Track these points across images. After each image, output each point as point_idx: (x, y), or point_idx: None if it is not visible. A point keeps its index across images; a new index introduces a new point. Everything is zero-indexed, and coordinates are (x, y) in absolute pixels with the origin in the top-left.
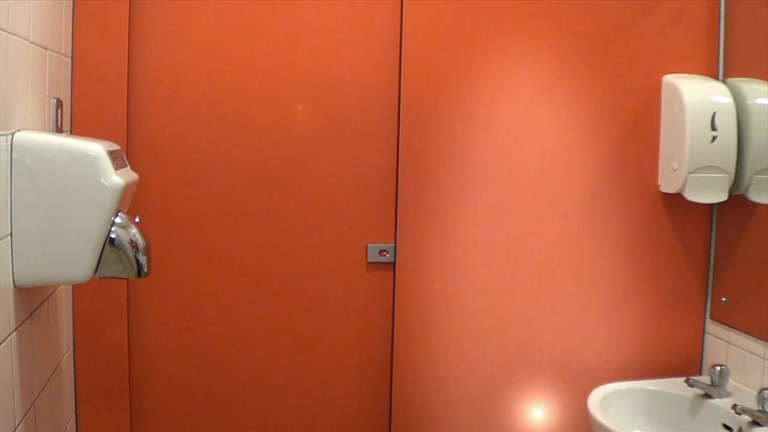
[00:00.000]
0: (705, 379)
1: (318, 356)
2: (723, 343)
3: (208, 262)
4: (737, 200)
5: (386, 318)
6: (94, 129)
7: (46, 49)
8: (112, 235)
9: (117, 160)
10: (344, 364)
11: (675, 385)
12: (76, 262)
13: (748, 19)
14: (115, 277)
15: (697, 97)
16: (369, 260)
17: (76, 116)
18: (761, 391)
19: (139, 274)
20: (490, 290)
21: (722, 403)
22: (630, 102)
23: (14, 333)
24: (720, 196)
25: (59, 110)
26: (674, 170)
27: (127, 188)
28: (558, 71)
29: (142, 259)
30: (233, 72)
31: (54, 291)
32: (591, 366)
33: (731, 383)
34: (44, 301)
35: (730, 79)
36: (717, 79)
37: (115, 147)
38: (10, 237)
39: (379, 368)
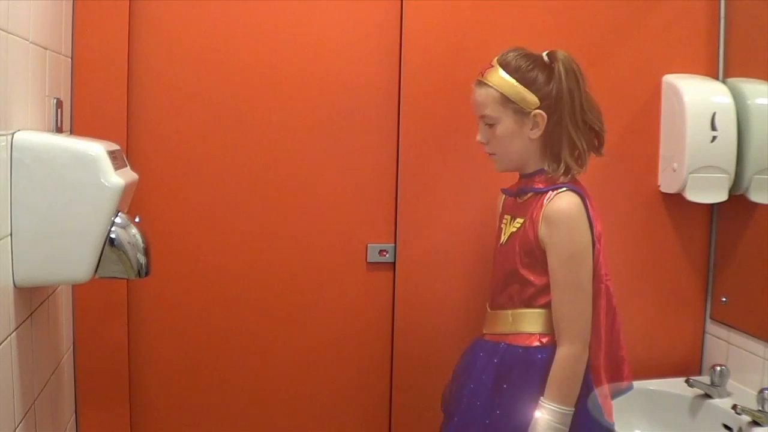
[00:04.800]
0: (705, 379)
1: (318, 356)
2: (723, 343)
3: (208, 261)
4: (737, 200)
5: (386, 318)
6: (94, 129)
7: (46, 49)
8: (112, 235)
9: (117, 160)
10: (344, 364)
11: (675, 385)
12: (76, 262)
13: (748, 19)
14: (115, 277)
15: (697, 97)
16: (369, 260)
17: (76, 116)
18: (761, 391)
19: (139, 274)
20: (489, 290)
21: (722, 403)
22: (630, 102)
23: (14, 333)
24: (720, 196)
25: (59, 110)
26: (674, 170)
27: (127, 188)
28: None
29: (142, 259)
30: (233, 72)
31: (54, 291)
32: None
33: (731, 383)
34: (44, 301)
35: (730, 79)
36: (717, 79)
37: (115, 147)
38: (10, 237)
39: (379, 368)
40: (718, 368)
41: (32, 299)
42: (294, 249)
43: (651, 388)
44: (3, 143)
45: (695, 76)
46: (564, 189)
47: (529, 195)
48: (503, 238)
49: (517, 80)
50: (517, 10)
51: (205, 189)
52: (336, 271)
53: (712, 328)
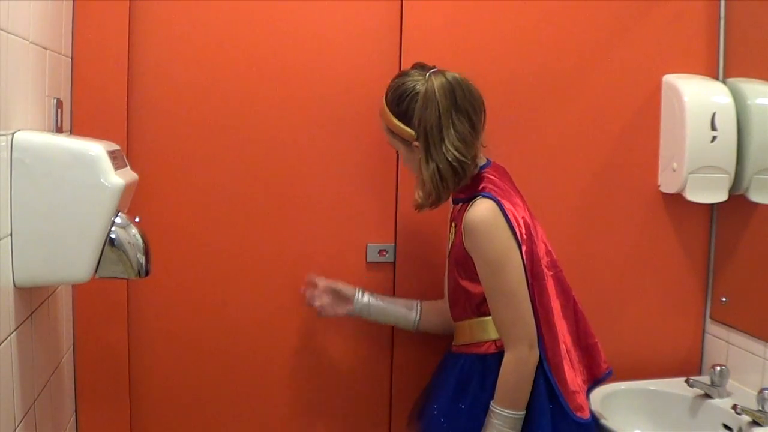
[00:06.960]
0: (705, 379)
1: (318, 357)
2: (723, 343)
3: (208, 262)
4: (737, 200)
5: None
6: (94, 129)
7: (46, 49)
8: (112, 235)
9: (117, 160)
10: (344, 365)
11: (675, 385)
12: (76, 262)
13: (748, 19)
14: (115, 277)
15: (697, 97)
16: (368, 260)
17: (76, 116)
18: (761, 391)
19: (139, 274)
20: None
21: (722, 403)
22: (630, 102)
23: (14, 333)
24: (720, 196)
25: (59, 110)
26: (674, 170)
27: (127, 188)
28: (558, 71)
29: (142, 259)
30: (233, 72)
31: (54, 291)
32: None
33: (731, 383)
34: (44, 301)
35: (730, 79)
36: (717, 79)
37: (115, 147)
38: (10, 237)
39: (379, 368)
40: (718, 368)
41: (32, 299)
42: (294, 249)
43: (651, 388)
44: (3, 143)
45: (695, 76)
46: (479, 197)
47: (460, 204)
48: (448, 247)
49: (394, 115)
50: (516, 11)
51: (205, 189)
52: (336, 271)
53: (712, 328)
